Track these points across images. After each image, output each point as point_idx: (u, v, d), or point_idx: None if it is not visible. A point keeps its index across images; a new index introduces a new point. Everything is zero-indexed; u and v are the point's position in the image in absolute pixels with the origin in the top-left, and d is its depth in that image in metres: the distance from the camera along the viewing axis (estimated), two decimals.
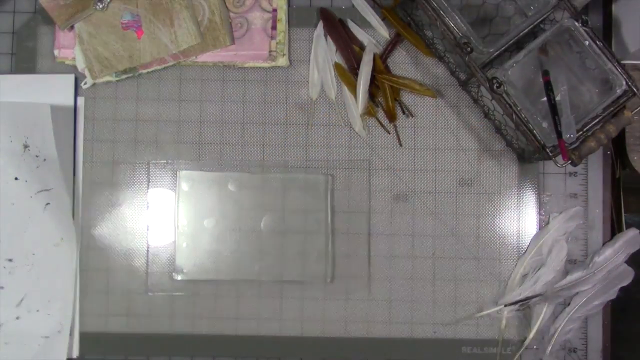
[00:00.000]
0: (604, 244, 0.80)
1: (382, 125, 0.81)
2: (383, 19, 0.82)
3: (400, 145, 0.81)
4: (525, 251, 0.80)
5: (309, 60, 0.82)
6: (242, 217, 0.80)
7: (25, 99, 0.80)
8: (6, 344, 0.78)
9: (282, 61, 0.81)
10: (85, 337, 0.80)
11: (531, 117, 0.70)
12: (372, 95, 0.80)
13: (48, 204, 0.79)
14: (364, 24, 0.82)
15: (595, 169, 0.81)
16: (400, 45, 0.82)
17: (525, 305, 0.79)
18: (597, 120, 0.69)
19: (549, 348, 0.78)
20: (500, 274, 0.80)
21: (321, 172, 0.81)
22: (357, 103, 0.80)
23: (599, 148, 0.70)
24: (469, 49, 0.69)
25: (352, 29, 0.82)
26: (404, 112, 0.81)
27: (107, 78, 0.81)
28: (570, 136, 0.68)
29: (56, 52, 0.81)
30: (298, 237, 0.80)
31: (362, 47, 0.81)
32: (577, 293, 0.78)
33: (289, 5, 0.82)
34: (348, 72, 0.81)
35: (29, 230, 0.79)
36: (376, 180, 0.81)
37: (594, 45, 0.69)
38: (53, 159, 0.79)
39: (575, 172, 0.81)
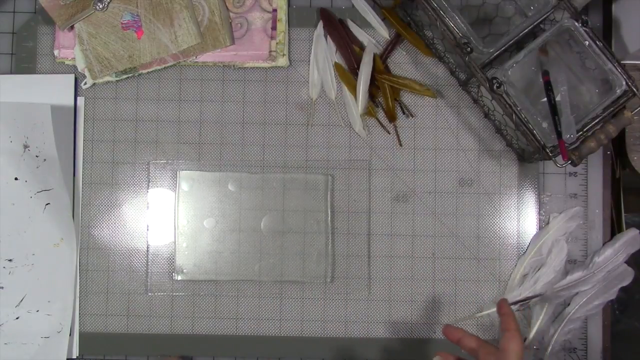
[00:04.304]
0: (604, 244, 0.80)
1: (382, 126, 0.81)
2: (383, 19, 0.82)
3: (400, 145, 0.81)
4: (525, 251, 0.80)
5: (309, 60, 0.82)
6: (242, 217, 0.80)
7: (25, 99, 0.80)
8: (6, 344, 0.78)
9: (282, 61, 0.81)
10: (85, 337, 0.80)
11: (531, 117, 0.69)
12: (372, 95, 0.80)
13: (48, 204, 0.79)
14: (364, 24, 0.82)
15: (595, 169, 0.81)
16: (400, 45, 0.82)
17: (525, 305, 0.79)
18: (597, 120, 0.69)
19: (549, 348, 0.78)
20: (500, 274, 0.80)
21: (321, 172, 0.81)
22: (357, 103, 0.79)
23: (599, 148, 0.70)
24: (469, 49, 0.69)
25: (352, 29, 0.82)
26: (404, 112, 0.81)
27: (107, 78, 0.81)
28: (570, 136, 0.68)
29: (56, 52, 0.81)
30: (298, 237, 0.80)
31: (362, 47, 0.81)
32: (577, 293, 0.78)
33: (289, 5, 0.82)
34: (348, 72, 0.81)
35: (29, 230, 0.79)
36: (376, 181, 0.81)
37: (594, 46, 0.69)
38: (53, 159, 0.79)
39: (575, 172, 0.81)
